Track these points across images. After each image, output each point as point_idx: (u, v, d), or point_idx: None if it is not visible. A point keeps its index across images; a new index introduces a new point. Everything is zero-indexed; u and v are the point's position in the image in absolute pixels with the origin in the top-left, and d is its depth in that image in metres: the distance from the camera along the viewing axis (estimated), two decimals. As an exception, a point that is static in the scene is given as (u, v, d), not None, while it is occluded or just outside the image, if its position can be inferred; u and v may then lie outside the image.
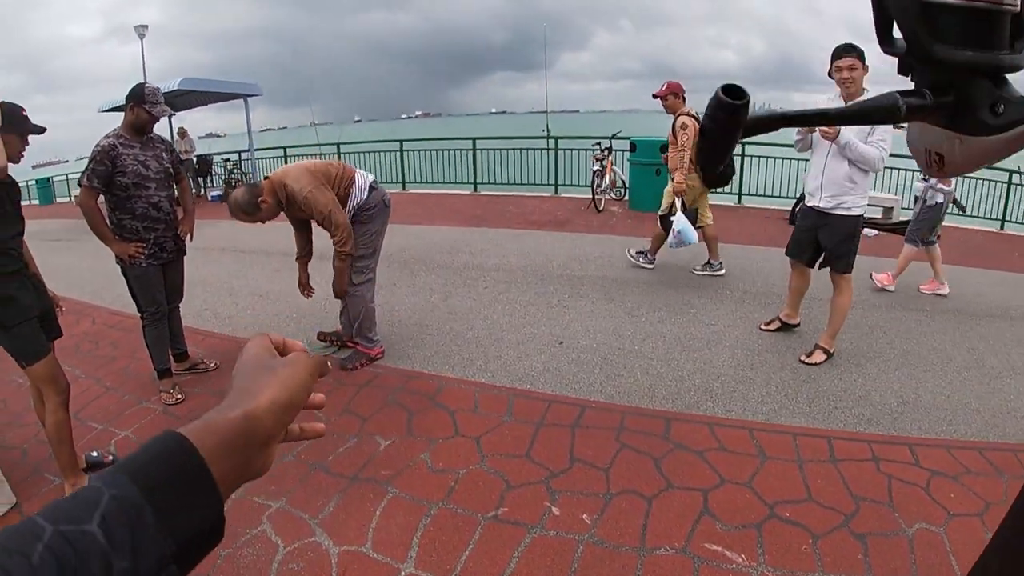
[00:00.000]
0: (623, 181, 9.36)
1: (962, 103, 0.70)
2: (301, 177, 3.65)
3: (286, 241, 4.75)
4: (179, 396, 3.93)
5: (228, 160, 14.71)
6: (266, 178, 3.80)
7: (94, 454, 3.33)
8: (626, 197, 9.32)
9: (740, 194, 9.72)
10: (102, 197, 3.62)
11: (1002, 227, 8.93)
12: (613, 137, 9.31)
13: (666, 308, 5.07)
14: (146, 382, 4.20)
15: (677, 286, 5.63)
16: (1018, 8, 0.65)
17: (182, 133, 14.22)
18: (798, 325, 4.59)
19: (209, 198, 13.92)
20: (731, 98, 0.69)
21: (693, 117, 5.23)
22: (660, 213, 5.66)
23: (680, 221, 5.33)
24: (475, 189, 11.46)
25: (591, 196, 8.90)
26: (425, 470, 3.03)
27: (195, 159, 14.57)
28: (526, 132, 12.72)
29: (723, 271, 5.89)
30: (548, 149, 10.77)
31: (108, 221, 3.73)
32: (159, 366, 3.96)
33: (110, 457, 3.36)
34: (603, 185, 8.75)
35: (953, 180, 5.42)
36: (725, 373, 3.96)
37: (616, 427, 3.33)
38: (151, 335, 3.92)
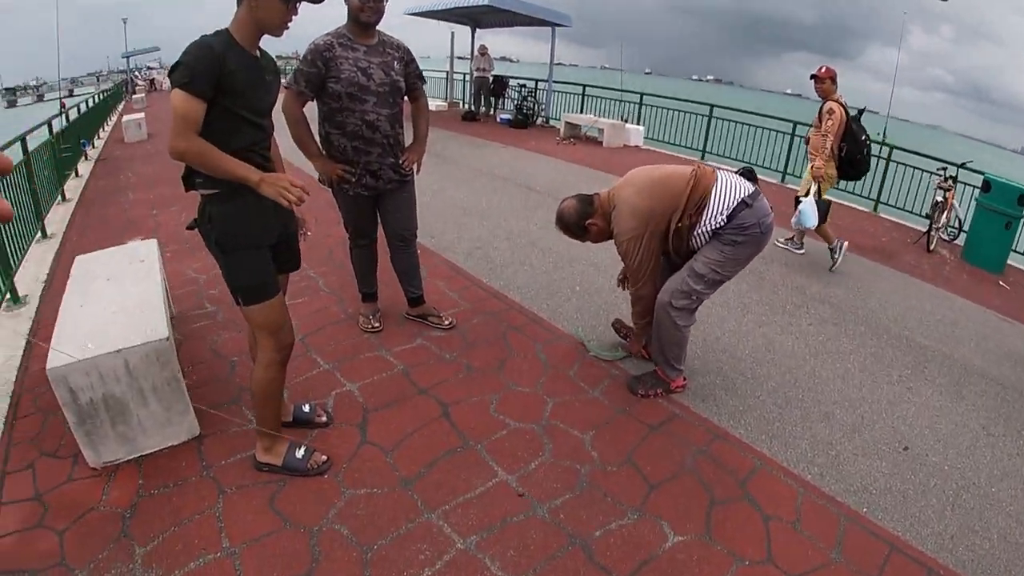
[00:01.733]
0: (959, 220, 7.36)
1: None
2: (628, 216, 2.84)
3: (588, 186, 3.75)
4: (376, 325, 3.51)
5: (524, 86, 14.30)
6: (596, 194, 3.06)
7: (306, 408, 2.71)
8: (958, 241, 7.34)
9: (877, 201, 8.38)
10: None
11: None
12: (962, 166, 7.32)
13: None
14: (399, 321, 3.62)
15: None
16: None
17: (483, 51, 14.12)
18: None
19: (498, 120, 13.71)
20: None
21: (842, 105, 5.05)
22: (797, 196, 5.37)
23: (807, 203, 5.11)
24: (783, 180, 9.55)
25: (927, 231, 6.83)
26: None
27: (491, 78, 14.43)
28: (790, 115, 10.33)
29: (803, 251, 5.71)
30: (879, 157, 8.58)
31: (317, 132, 3.05)
32: (361, 288, 3.57)
33: (324, 417, 2.71)
34: (941, 222, 6.88)
35: None
36: None
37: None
38: (354, 256, 3.46)
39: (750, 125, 10.29)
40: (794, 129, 9.37)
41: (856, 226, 7.06)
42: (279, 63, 2.75)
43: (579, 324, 3.74)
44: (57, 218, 6.14)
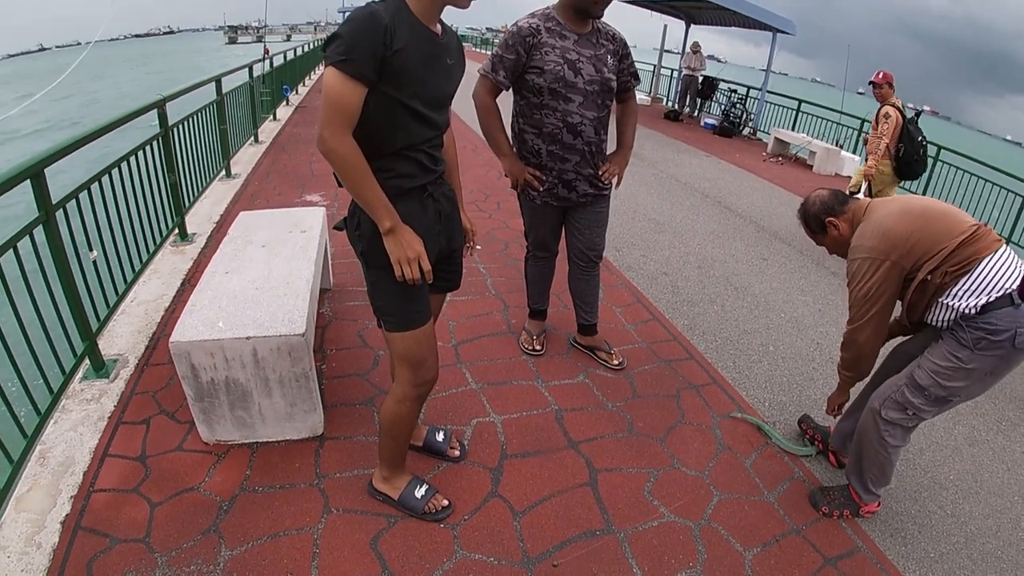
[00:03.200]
0: None
1: None
2: (877, 233, 2.12)
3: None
4: (538, 347, 3.10)
5: (734, 92, 13.14)
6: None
7: (440, 436, 2.35)
8: None
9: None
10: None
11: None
12: None
13: None
14: (564, 347, 3.18)
15: None
16: None
17: (695, 48, 13.17)
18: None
19: (702, 123, 12.69)
20: None
21: (898, 109, 5.36)
22: (849, 189, 5.67)
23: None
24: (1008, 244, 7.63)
25: None
26: None
27: (700, 78, 13.42)
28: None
29: None
30: None
31: (510, 126, 2.59)
32: (531, 303, 3.17)
33: (457, 450, 2.34)
34: None
35: None
36: None
37: None
38: (529, 267, 3.06)
39: (979, 177, 8.44)
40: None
41: None
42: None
43: (767, 396, 3.04)
44: (246, 158, 6.39)
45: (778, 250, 5.40)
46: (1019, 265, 1.96)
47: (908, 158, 5.35)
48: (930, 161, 11.79)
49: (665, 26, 14.52)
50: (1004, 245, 2.02)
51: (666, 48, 14.86)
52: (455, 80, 1.72)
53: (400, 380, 1.85)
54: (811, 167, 10.10)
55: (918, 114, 5.56)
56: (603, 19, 2.49)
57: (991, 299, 1.90)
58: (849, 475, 2.40)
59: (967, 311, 1.95)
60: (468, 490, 2.19)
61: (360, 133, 1.51)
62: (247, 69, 7.25)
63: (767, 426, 2.78)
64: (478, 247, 2.24)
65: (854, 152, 10.58)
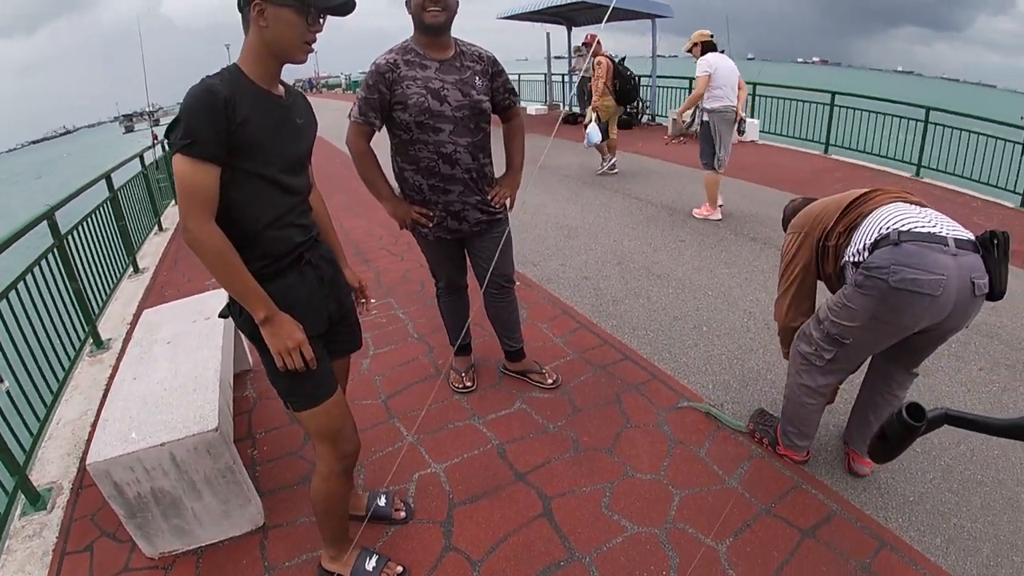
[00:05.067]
0: None
1: None
2: (802, 213, 2.35)
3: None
4: (469, 384, 3.02)
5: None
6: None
7: (382, 501, 2.26)
8: None
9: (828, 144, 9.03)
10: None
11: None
12: None
13: None
14: (495, 378, 3.11)
15: None
16: None
17: (580, 51, 13.40)
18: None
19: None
20: (912, 418, 0.91)
21: (608, 57, 7.55)
22: (584, 123, 7.60)
23: (592, 127, 7.33)
24: (917, 173, 8.28)
25: None
26: None
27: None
28: (936, 101, 8.88)
29: (616, 170, 7.85)
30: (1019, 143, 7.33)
31: (391, 167, 2.52)
32: (453, 341, 3.10)
33: (403, 512, 2.25)
34: None
35: (725, 100, 5.44)
36: None
37: None
38: (443, 307, 3.00)
39: (876, 112, 8.98)
40: (927, 116, 8.10)
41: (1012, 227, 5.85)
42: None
43: (709, 379, 3.07)
44: (152, 249, 6.15)
45: (694, 228, 5.52)
46: (916, 214, 1.97)
47: (622, 90, 7.58)
48: (644, 91, 12.87)
49: (548, 34, 14.82)
50: (902, 202, 2.07)
51: (556, 54, 15.15)
52: (308, 140, 1.67)
53: (322, 457, 1.76)
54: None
55: (623, 59, 7.91)
56: (484, 37, 2.48)
57: (874, 239, 1.95)
58: (783, 423, 2.47)
59: (858, 258, 2.00)
60: (421, 550, 2.10)
61: (223, 218, 1.43)
62: (138, 158, 7.02)
63: (715, 410, 2.79)
64: (372, 300, 2.17)
65: (752, 116, 11.02)
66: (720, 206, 5.79)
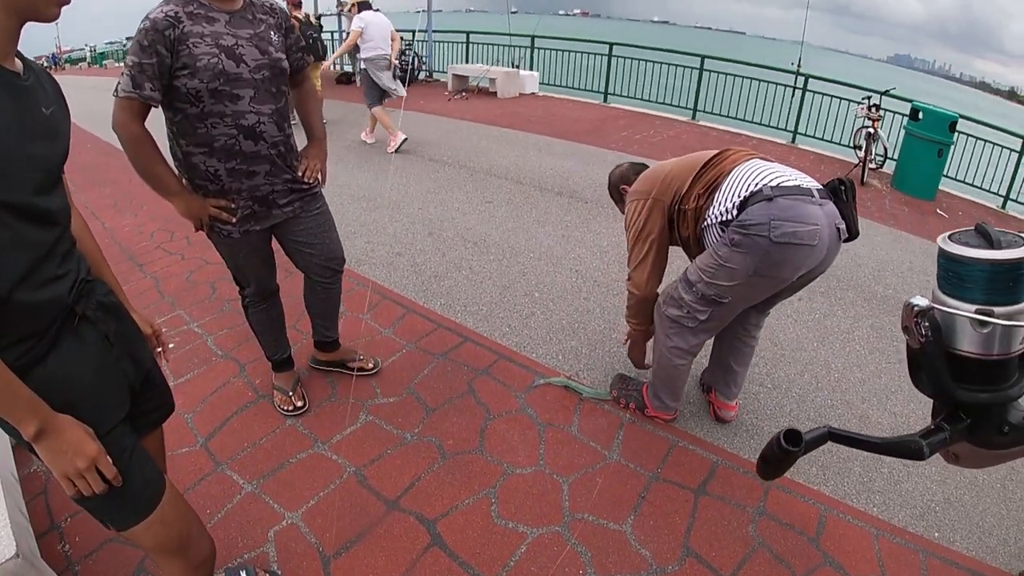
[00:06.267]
0: (885, 150, 7.57)
1: (975, 425, 0.96)
2: (644, 177, 2.31)
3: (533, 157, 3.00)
4: (299, 403, 2.57)
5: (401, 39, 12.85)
6: None
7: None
8: (884, 169, 7.53)
9: (795, 133, 8.60)
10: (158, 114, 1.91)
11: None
12: (885, 93, 7.46)
13: None
14: (334, 391, 2.72)
15: None
16: None
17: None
18: None
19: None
20: (789, 444, 0.97)
21: (297, 19, 7.21)
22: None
23: None
24: (693, 117, 9.17)
25: (860, 164, 6.90)
26: None
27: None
28: (687, 47, 10.17)
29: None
30: (793, 88, 8.63)
31: (171, 154, 2.02)
32: (270, 355, 2.61)
33: (264, 584, 1.86)
34: (873, 152, 7.12)
35: (378, 49, 6.54)
36: None
37: None
38: (253, 319, 2.50)
39: (653, 62, 9.76)
40: (702, 63, 8.96)
41: (785, 161, 6.71)
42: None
43: (556, 348, 3.02)
44: None
45: (498, 187, 5.44)
46: (775, 169, 2.00)
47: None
48: (419, 46, 12.72)
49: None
50: (760, 159, 2.10)
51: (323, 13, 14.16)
52: (63, 137, 1.14)
53: (171, 574, 1.35)
54: (495, 93, 10.48)
55: (312, 16, 8.79)
56: None
57: (743, 196, 1.95)
58: (650, 376, 2.51)
59: (726, 217, 1.99)
60: (304, 626, 1.77)
61: None
62: None
63: (572, 382, 2.74)
64: (171, 346, 1.68)
65: (531, 68, 11.25)
66: (400, 132, 6.63)
